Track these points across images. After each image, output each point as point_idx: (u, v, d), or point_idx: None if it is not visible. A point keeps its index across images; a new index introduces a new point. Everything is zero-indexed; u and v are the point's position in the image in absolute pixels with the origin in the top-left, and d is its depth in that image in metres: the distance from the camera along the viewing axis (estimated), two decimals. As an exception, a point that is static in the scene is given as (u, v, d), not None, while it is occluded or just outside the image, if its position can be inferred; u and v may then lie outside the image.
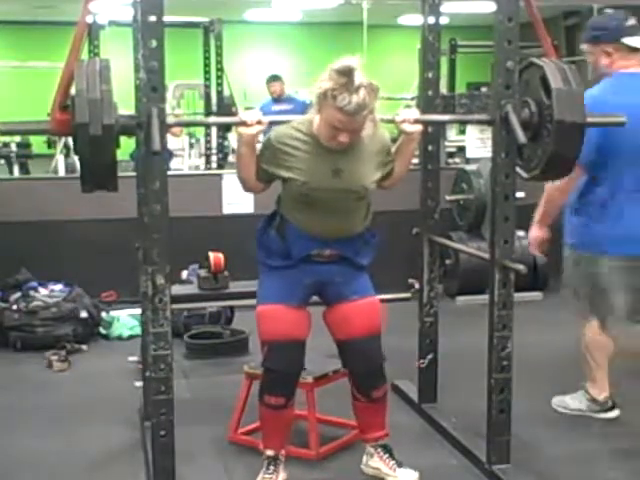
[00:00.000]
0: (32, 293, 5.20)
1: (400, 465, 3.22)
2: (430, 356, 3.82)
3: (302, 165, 2.98)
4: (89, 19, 6.51)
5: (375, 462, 3.26)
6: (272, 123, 3.03)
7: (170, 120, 2.91)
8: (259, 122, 2.91)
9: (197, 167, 8.85)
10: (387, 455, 3.25)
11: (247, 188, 3.12)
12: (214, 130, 7.72)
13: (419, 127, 3.06)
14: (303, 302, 3.13)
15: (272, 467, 3.16)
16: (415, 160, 3.74)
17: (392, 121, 3.07)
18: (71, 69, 2.85)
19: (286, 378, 3.10)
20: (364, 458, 3.31)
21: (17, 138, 9.34)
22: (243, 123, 2.92)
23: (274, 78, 8.56)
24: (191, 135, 9.39)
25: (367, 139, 3.01)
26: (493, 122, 3.09)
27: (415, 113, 3.11)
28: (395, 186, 3.19)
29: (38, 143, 9.47)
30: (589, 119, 3.05)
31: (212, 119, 2.81)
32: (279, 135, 3.01)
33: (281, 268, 3.09)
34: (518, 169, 3.20)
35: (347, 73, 2.78)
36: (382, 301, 5.82)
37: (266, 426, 3.21)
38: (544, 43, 3.32)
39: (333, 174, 2.98)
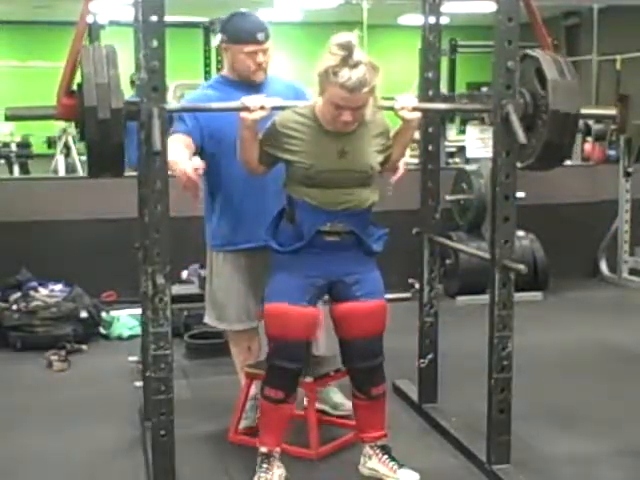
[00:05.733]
0: (32, 293, 5.20)
1: (401, 466, 3.22)
2: (430, 356, 3.82)
3: (307, 148, 3.01)
4: (89, 18, 6.48)
5: (373, 463, 3.25)
6: (275, 108, 3.04)
7: (172, 106, 2.90)
8: (262, 107, 2.94)
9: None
10: (386, 456, 3.24)
11: (249, 170, 3.15)
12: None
13: (418, 114, 3.10)
14: (313, 302, 3.13)
15: (265, 465, 3.16)
16: (415, 160, 3.75)
17: (391, 108, 3.09)
18: (76, 53, 2.87)
19: (288, 374, 3.13)
20: (361, 459, 3.30)
21: (17, 138, 9.34)
22: (246, 108, 2.95)
23: None
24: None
25: (369, 122, 3.05)
26: (491, 111, 3.11)
27: (413, 100, 3.14)
28: (392, 171, 3.26)
29: (38, 143, 9.46)
30: (583, 110, 3.12)
31: (215, 105, 2.84)
32: (283, 120, 3.04)
33: (294, 253, 3.07)
34: None
35: (347, 47, 2.84)
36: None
37: (264, 420, 3.22)
38: (541, 37, 3.34)
39: (339, 155, 3.02)
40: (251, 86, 3.39)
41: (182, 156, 3.22)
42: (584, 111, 3.15)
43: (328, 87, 2.89)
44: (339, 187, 3.03)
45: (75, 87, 2.90)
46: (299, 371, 3.17)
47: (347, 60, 2.83)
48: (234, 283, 3.51)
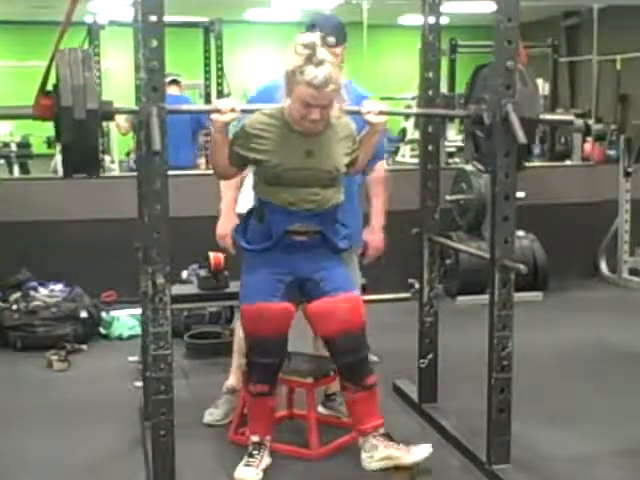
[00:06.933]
0: (32, 293, 5.20)
1: (408, 445, 3.27)
2: (430, 356, 3.82)
3: (274, 147, 3.11)
4: (89, 18, 6.45)
5: (383, 452, 3.27)
6: (245, 111, 3.13)
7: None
8: (232, 110, 3.02)
9: (197, 167, 8.86)
10: (393, 442, 3.28)
11: (220, 173, 3.27)
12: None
13: (383, 118, 3.18)
14: (285, 298, 3.20)
15: (256, 452, 3.26)
16: (415, 160, 3.76)
17: (357, 112, 3.16)
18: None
19: (268, 369, 3.25)
20: (365, 456, 3.30)
21: (17, 138, 9.33)
22: (217, 111, 3.03)
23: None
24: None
25: (336, 125, 3.15)
26: (468, 117, 3.15)
27: (379, 105, 3.21)
28: (358, 173, 3.37)
29: (38, 143, 9.45)
30: (542, 116, 3.25)
31: (186, 106, 2.88)
32: (252, 121, 3.15)
33: (262, 252, 3.17)
34: (475, 162, 3.40)
35: (311, 46, 2.97)
36: (382, 301, 5.85)
37: (252, 412, 3.34)
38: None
39: (306, 155, 3.11)
40: None
41: (226, 212, 3.59)
42: (543, 117, 3.31)
43: (296, 86, 2.99)
44: (305, 187, 3.11)
45: (51, 88, 2.91)
46: (279, 365, 3.27)
47: (312, 58, 2.96)
48: None
